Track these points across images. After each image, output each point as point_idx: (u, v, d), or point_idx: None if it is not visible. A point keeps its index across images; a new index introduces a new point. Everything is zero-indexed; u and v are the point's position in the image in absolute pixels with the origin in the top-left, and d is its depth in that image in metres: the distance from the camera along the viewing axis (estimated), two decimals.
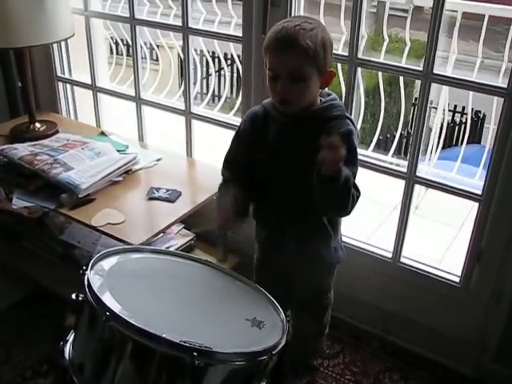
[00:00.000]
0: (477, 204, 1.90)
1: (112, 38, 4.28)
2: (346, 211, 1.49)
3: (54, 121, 2.52)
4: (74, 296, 1.26)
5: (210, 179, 2.10)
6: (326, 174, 1.37)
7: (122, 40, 4.54)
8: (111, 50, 4.45)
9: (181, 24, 2.23)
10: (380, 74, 3.43)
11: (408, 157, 1.97)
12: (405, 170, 1.96)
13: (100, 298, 1.19)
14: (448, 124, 4.73)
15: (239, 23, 2.29)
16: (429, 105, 1.88)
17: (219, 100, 4.58)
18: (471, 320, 1.99)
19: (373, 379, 2.04)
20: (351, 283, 2.01)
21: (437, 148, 3.44)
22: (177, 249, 2.15)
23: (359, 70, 1.98)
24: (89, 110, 2.69)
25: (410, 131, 5.57)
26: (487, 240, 1.89)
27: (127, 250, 1.47)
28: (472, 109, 3.73)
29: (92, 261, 1.31)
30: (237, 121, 2.34)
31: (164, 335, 1.11)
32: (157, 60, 4.59)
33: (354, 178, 1.48)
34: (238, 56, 3.56)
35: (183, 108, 2.38)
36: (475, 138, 5.53)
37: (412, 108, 5.72)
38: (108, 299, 1.20)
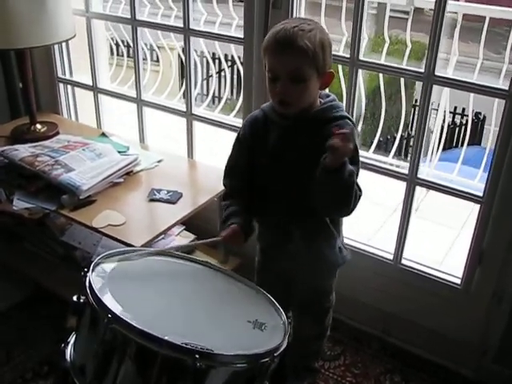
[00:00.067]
0: (478, 206, 1.90)
1: (113, 38, 4.28)
2: (349, 208, 1.48)
3: (55, 122, 2.52)
4: (75, 298, 1.26)
5: (211, 180, 2.11)
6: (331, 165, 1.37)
7: (122, 41, 4.54)
8: (112, 51, 4.45)
9: (182, 25, 2.23)
10: (381, 75, 3.43)
11: (409, 158, 1.97)
12: (406, 171, 1.96)
13: (101, 299, 1.19)
14: (448, 125, 4.73)
15: (240, 24, 2.29)
16: (430, 106, 1.88)
17: (219, 101, 4.59)
18: (472, 322, 1.99)
19: (373, 381, 2.03)
20: (352, 285, 2.01)
21: (437, 149, 3.44)
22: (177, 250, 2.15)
23: (360, 71, 1.98)
24: (89, 111, 2.70)
25: (410, 133, 5.58)
26: (488, 242, 1.89)
27: (128, 251, 1.46)
28: (472, 110, 3.73)
29: (93, 262, 1.31)
30: (238, 122, 2.34)
31: (166, 337, 1.11)
32: (157, 61, 4.59)
33: (356, 177, 1.48)
34: (239, 57, 3.56)
35: (184, 109, 2.38)
36: (475, 139, 5.53)
37: (412, 110, 5.73)
38: (109, 301, 1.20)
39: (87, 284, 1.23)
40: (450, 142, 5.39)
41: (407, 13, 4.53)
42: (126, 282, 1.34)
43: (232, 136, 1.68)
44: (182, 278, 1.44)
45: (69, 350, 1.29)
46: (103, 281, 1.29)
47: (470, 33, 4.04)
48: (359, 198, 1.48)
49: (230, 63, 5.34)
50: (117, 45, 4.57)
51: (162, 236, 2.07)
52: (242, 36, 2.10)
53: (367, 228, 2.71)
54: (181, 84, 4.02)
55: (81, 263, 2.19)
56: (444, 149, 3.76)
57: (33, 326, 2.20)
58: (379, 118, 3.59)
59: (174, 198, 2.03)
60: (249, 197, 1.60)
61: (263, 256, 1.76)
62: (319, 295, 1.78)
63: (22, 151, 2.14)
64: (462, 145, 4.20)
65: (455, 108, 5.72)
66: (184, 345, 1.12)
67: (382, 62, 2.02)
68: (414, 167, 1.93)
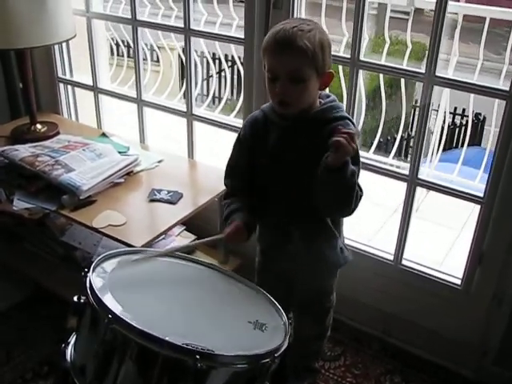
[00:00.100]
0: (478, 206, 1.90)
1: (113, 39, 4.28)
2: (350, 208, 1.48)
3: (55, 122, 2.52)
4: (75, 298, 1.26)
5: (212, 181, 2.11)
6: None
7: (122, 41, 4.54)
8: (112, 51, 4.45)
9: (182, 25, 2.23)
10: (381, 76, 3.43)
11: (409, 159, 1.97)
12: (406, 172, 1.96)
13: (102, 300, 1.19)
14: (448, 126, 4.73)
15: (240, 25, 2.29)
16: (430, 107, 1.88)
17: (220, 102, 4.59)
18: (472, 322, 1.99)
19: (374, 382, 2.03)
20: (352, 285, 2.01)
21: (437, 150, 3.44)
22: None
23: (361, 72, 1.98)
24: (90, 111, 2.69)
25: (410, 133, 5.58)
26: (489, 242, 1.89)
27: (129, 252, 1.46)
28: (472, 111, 3.73)
29: (94, 263, 1.31)
30: (238, 122, 2.34)
31: (167, 338, 1.11)
32: (158, 61, 4.59)
33: (357, 177, 1.48)
34: (239, 57, 3.56)
35: (185, 110, 2.38)
36: (475, 140, 5.53)
37: (412, 110, 5.73)
38: (110, 301, 1.20)
39: (88, 284, 1.23)
40: (450, 143, 5.39)
41: (407, 13, 4.54)
42: (126, 282, 1.33)
43: (232, 136, 1.68)
44: (182, 279, 1.44)
45: (69, 351, 1.28)
46: (104, 281, 1.28)
47: (470, 33, 4.04)
48: (360, 199, 1.48)
49: (230, 63, 5.34)
50: (117, 45, 4.58)
51: (163, 236, 2.07)
52: (243, 36, 2.10)
53: (367, 228, 2.71)
54: (181, 84, 4.02)
55: (81, 263, 2.19)
56: (444, 149, 3.77)
57: (33, 327, 2.19)
58: (379, 118, 3.59)
59: (174, 199, 2.03)
60: (250, 195, 1.60)
61: (263, 257, 1.76)
62: (320, 295, 1.78)
63: (22, 151, 2.14)
64: (462, 145, 4.20)
65: (455, 109, 5.72)
66: (185, 345, 1.12)
67: (383, 62, 2.03)
68: (415, 168, 1.92)
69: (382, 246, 2.17)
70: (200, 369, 1.11)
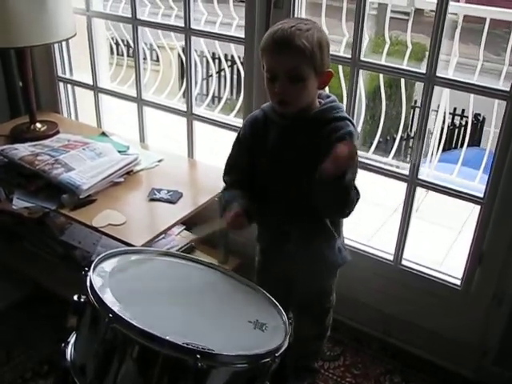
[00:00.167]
0: (478, 207, 1.90)
1: (113, 38, 4.27)
2: (345, 213, 1.51)
3: (55, 121, 2.51)
4: (75, 297, 1.26)
5: (212, 180, 2.10)
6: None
7: (122, 40, 4.54)
8: (112, 50, 4.45)
9: (183, 25, 2.23)
10: (381, 76, 3.43)
11: (409, 159, 1.97)
12: (406, 172, 1.96)
13: (102, 299, 1.18)
14: (448, 127, 4.73)
15: (240, 24, 2.29)
16: (431, 107, 1.88)
17: (219, 101, 4.58)
18: (472, 322, 1.99)
19: (373, 382, 2.03)
20: (352, 285, 2.01)
21: (437, 151, 3.44)
22: (177, 250, 2.15)
23: (361, 72, 1.98)
24: (90, 110, 2.69)
25: (409, 134, 5.58)
26: (489, 243, 1.89)
27: (129, 251, 1.46)
28: (472, 111, 3.73)
29: (94, 262, 1.31)
30: (238, 122, 2.34)
31: (167, 337, 1.11)
32: (157, 60, 4.59)
33: (354, 179, 1.48)
34: (239, 57, 3.56)
35: (185, 109, 2.38)
36: (475, 140, 5.53)
37: (412, 110, 5.73)
38: (110, 300, 1.20)
39: (88, 283, 1.23)
40: (450, 144, 5.39)
41: (407, 14, 4.54)
42: (126, 281, 1.33)
43: (232, 136, 1.68)
44: (182, 278, 1.44)
45: (69, 350, 1.28)
46: (104, 280, 1.28)
47: (470, 34, 4.04)
48: (357, 201, 1.49)
49: (229, 63, 5.33)
50: (117, 44, 4.57)
51: (162, 236, 2.07)
52: (243, 36, 2.10)
53: (367, 229, 2.71)
54: (181, 84, 4.02)
55: (80, 263, 2.18)
56: (443, 150, 3.77)
57: (32, 326, 2.19)
58: (379, 118, 3.59)
59: (174, 198, 2.03)
60: (249, 188, 1.58)
61: (263, 256, 1.76)
62: (319, 296, 1.78)
63: (22, 150, 2.14)
64: (462, 146, 4.20)
65: (455, 109, 5.73)
66: (185, 345, 1.12)
67: (384, 62, 2.03)
68: (415, 168, 1.92)
69: (382, 246, 2.17)
70: (200, 368, 1.11)
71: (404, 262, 2.09)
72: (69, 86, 2.75)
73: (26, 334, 2.16)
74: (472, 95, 3.04)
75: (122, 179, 2.11)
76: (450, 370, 2.07)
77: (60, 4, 2.19)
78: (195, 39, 2.29)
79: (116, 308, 1.17)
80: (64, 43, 2.62)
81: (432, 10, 1.75)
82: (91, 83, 2.61)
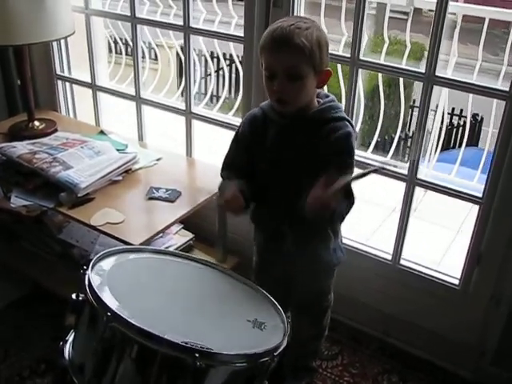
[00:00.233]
0: (476, 206, 1.90)
1: (111, 36, 4.26)
2: (337, 224, 1.60)
3: (53, 119, 2.51)
4: (74, 296, 1.26)
5: (210, 179, 2.09)
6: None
7: (121, 39, 4.54)
8: (110, 48, 4.44)
9: (182, 23, 2.23)
10: (380, 75, 3.43)
11: (408, 159, 1.97)
12: (405, 172, 1.96)
13: (101, 298, 1.18)
14: (446, 127, 4.74)
15: (239, 23, 2.29)
16: (430, 107, 1.88)
17: (218, 100, 4.58)
18: (470, 323, 1.99)
19: (371, 381, 2.03)
20: (351, 285, 2.01)
21: (435, 150, 3.44)
22: (176, 249, 2.14)
23: (360, 71, 1.97)
24: (88, 108, 2.68)
25: (408, 133, 5.58)
26: (487, 242, 1.89)
27: (127, 250, 1.46)
28: (470, 111, 3.73)
29: (92, 260, 1.31)
30: (237, 121, 2.34)
31: (166, 336, 1.11)
32: (156, 59, 4.58)
33: (349, 208, 1.52)
34: (238, 56, 3.55)
35: (183, 108, 2.38)
36: (473, 140, 5.54)
37: (410, 110, 5.73)
38: (109, 299, 1.20)
39: (86, 282, 1.23)
40: (448, 143, 5.39)
41: (406, 13, 4.54)
42: (125, 280, 1.33)
43: (231, 135, 1.68)
44: (181, 277, 1.44)
45: (67, 349, 1.28)
46: (102, 279, 1.28)
47: (468, 34, 4.05)
48: (351, 207, 1.51)
49: (228, 62, 5.33)
50: (115, 42, 4.56)
51: (161, 235, 2.06)
52: (242, 34, 2.10)
53: (366, 228, 2.71)
54: (179, 82, 4.01)
55: (79, 261, 2.18)
56: (442, 150, 3.77)
57: (31, 324, 2.18)
58: (377, 118, 3.58)
59: (172, 197, 2.03)
60: (247, 177, 1.58)
61: (260, 257, 1.76)
62: (317, 296, 1.78)
63: (20, 148, 2.13)
64: (460, 146, 4.20)
65: (453, 109, 5.73)
66: (184, 343, 1.12)
67: (383, 62, 2.02)
68: (414, 168, 1.92)
69: (381, 245, 2.17)
70: (199, 367, 1.11)
71: (402, 262, 2.09)
72: (67, 84, 2.74)
73: (24, 333, 2.15)
74: (471, 95, 3.04)
75: (120, 178, 2.10)
76: (448, 370, 2.07)
77: (59, 2, 2.18)
78: (194, 38, 2.29)
79: (114, 306, 1.17)
80: (62, 41, 2.60)
81: (431, 10, 1.75)
82: (89, 81, 2.61)
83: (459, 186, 1.98)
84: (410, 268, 2.07)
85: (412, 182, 1.95)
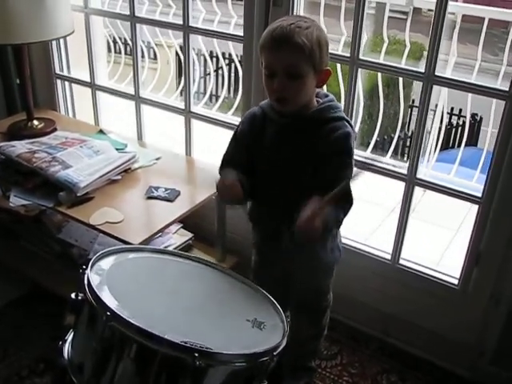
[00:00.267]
0: (475, 206, 1.90)
1: (110, 35, 4.26)
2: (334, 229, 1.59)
3: (53, 118, 2.50)
4: (73, 295, 1.25)
5: (209, 178, 2.08)
6: None
7: (120, 38, 4.53)
8: (109, 48, 4.43)
9: (181, 23, 2.23)
10: (379, 75, 3.43)
11: (408, 159, 1.97)
12: (404, 171, 1.96)
13: (100, 297, 1.18)
14: (445, 126, 4.74)
15: (239, 23, 2.29)
16: (429, 107, 1.88)
17: (217, 100, 4.58)
18: (469, 322, 1.99)
19: (370, 381, 2.03)
20: (350, 284, 2.01)
21: (435, 150, 3.44)
22: (175, 248, 2.14)
23: (360, 70, 1.97)
24: (87, 107, 2.68)
25: (407, 133, 5.58)
26: (486, 242, 1.89)
27: (126, 249, 1.46)
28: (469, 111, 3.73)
29: (92, 260, 1.31)
30: (236, 120, 2.33)
31: (165, 336, 1.11)
32: (155, 58, 4.57)
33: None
34: (237, 55, 3.55)
35: (183, 107, 2.37)
36: (472, 140, 5.54)
37: (409, 110, 5.73)
38: (108, 299, 1.19)
39: (86, 281, 1.23)
40: (447, 143, 5.40)
41: (405, 13, 4.54)
42: (124, 280, 1.33)
43: (230, 134, 1.68)
44: (180, 277, 1.44)
45: (66, 348, 1.28)
46: (101, 278, 1.28)
47: (468, 34, 4.05)
48: (349, 210, 1.51)
49: (227, 61, 5.33)
50: (114, 42, 4.55)
51: (160, 234, 2.06)
52: (242, 34, 2.09)
53: (365, 228, 2.71)
54: (178, 82, 4.01)
55: (77, 261, 2.18)
56: (441, 150, 3.77)
57: (29, 324, 2.18)
58: (377, 117, 3.58)
59: (171, 196, 2.02)
60: (246, 175, 1.57)
61: (259, 256, 1.76)
62: (316, 295, 1.78)
63: (19, 147, 2.13)
64: (459, 146, 4.20)
65: (452, 109, 5.73)
66: (183, 343, 1.12)
67: (383, 61, 2.02)
68: (413, 167, 1.92)
69: (380, 245, 2.17)
70: (198, 367, 1.11)
71: (401, 262, 2.09)
72: (66, 83, 2.74)
73: (23, 332, 2.15)
74: (470, 95, 3.04)
75: (119, 177, 2.10)
76: (448, 370, 2.07)
77: (58, 1, 2.18)
78: (193, 37, 2.29)
79: (114, 306, 1.17)
80: (62, 40, 2.60)
81: (430, 10, 1.75)
82: (89, 81, 2.61)
83: (458, 186, 1.98)
84: (410, 268, 2.07)
85: (411, 181, 1.95)
